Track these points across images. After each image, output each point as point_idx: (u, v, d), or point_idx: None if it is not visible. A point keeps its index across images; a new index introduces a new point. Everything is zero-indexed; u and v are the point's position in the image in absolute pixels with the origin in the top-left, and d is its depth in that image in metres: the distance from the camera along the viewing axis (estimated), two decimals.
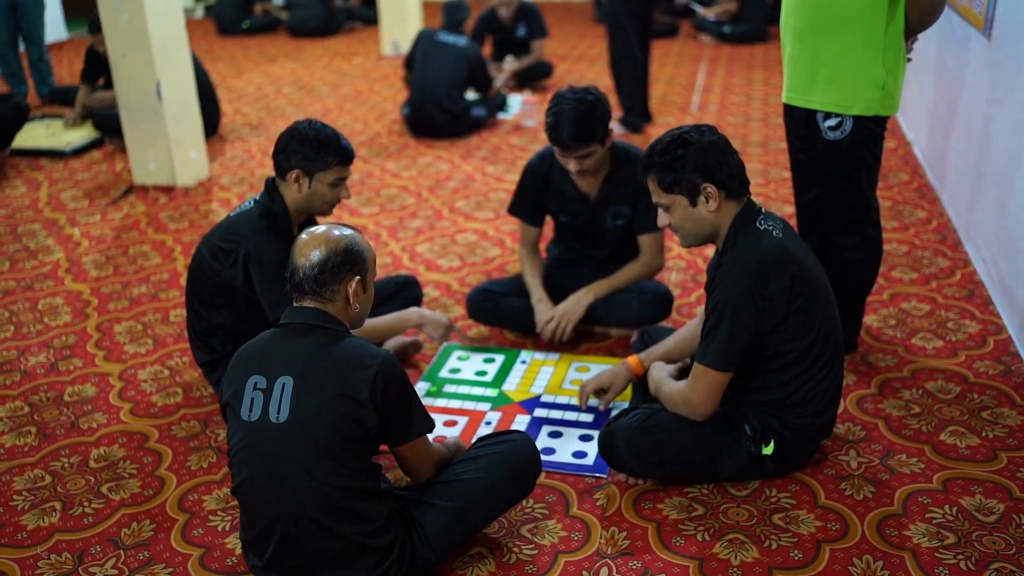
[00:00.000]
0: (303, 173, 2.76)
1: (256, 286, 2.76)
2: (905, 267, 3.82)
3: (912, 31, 2.85)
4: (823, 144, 2.93)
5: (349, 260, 2.11)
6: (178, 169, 5.14)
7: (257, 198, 2.85)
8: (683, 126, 2.45)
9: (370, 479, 2.10)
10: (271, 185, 2.83)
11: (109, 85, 6.02)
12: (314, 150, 2.73)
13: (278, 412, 2.03)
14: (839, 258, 3.07)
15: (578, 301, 3.24)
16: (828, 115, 2.89)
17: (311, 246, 2.10)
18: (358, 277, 2.13)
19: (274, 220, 2.79)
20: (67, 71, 8.38)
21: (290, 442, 2.02)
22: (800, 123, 3.02)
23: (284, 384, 2.03)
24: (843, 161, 2.93)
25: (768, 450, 2.50)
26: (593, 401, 2.95)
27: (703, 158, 2.37)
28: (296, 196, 2.80)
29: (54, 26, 9.64)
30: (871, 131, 2.90)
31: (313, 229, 2.15)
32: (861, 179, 2.96)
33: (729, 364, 2.39)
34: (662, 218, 2.51)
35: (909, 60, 2.95)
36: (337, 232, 2.13)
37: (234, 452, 2.11)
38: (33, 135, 6.22)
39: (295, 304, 2.14)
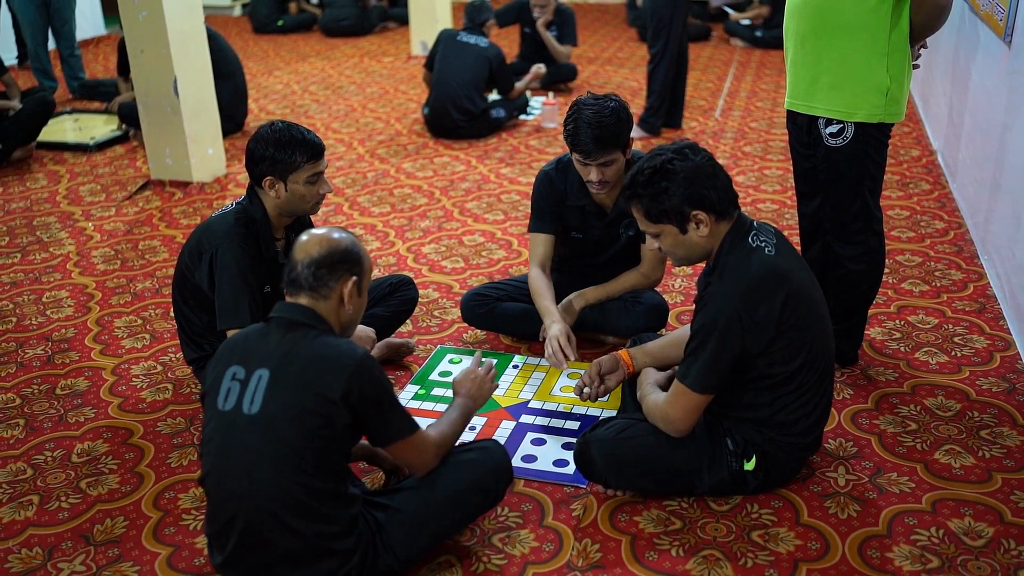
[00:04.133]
0: (276, 178, 2.73)
1: (215, 291, 2.74)
2: (916, 279, 3.72)
3: (917, 37, 2.76)
4: (824, 151, 2.85)
5: (347, 260, 2.13)
6: (194, 165, 5.17)
7: (239, 200, 2.84)
8: (663, 149, 2.32)
9: (336, 481, 2.09)
10: (252, 189, 2.81)
11: None
12: (280, 152, 2.69)
13: (251, 403, 2.03)
14: (840, 269, 2.98)
15: (570, 304, 3.15)
16: (830, 121, 2.82)
17: (312, 243, 2.13)
18: (354, 278, 2.15)
19: (251, 226, 2.77)
20: (103, 67, 8.49)
21: (258, 434, 2.02)
22: (802, 129, 2.95)
23: (261, 376, 2.04)
24: (845, 169, 2.85)
25: (750, 465, 2.43)
26: (579, 408, 2.90)
27: (690, 187, 2.27)
28: (276, 202, 2.77)
29: (92, 22, 9.79)
30: (874, 138, 2.81)
31: (314, 230, 2.18)
32: (863, 188, 2.87)
33: (710, 387, 2.32)
34: (650, 243, 2.43)
35: (916, 67, 2.86)
36: (337, 234, 2.16)
37: (205, 441, 2.11)
38: (60, 129, 6.31)
39: (288, 299, 2.14)
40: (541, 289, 3.12)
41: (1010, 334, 3.25)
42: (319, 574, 2.05)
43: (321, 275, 2.10)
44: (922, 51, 2.97)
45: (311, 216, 3.01)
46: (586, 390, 2.74)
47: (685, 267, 3.86)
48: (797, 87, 2.90)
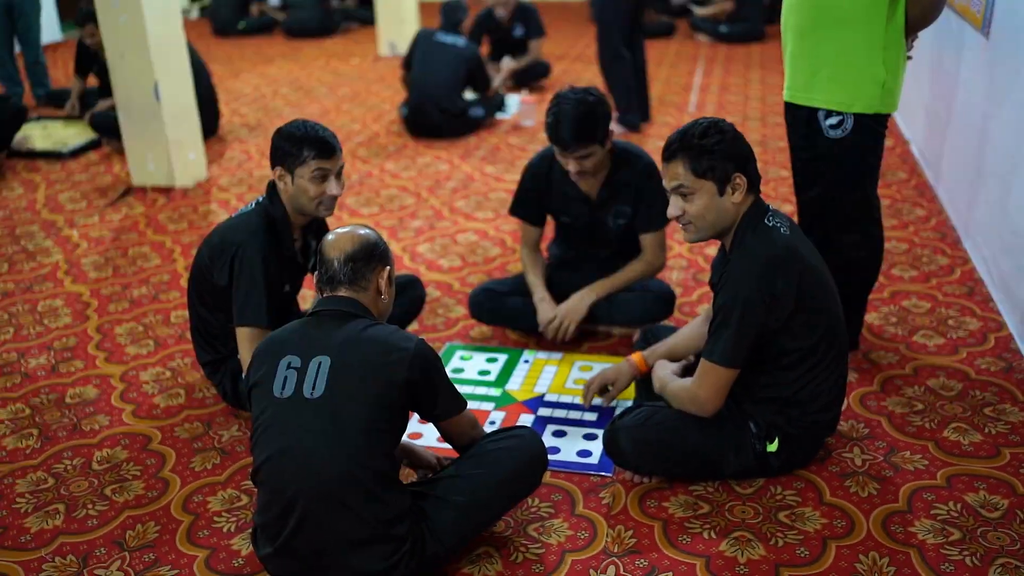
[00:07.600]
0: (284, 170, 2.76)
1: (233, 287, 2.75)
2: (905, 265, 3.83)
3: (913, 29, 2.85)
4: (824, 142, 2.94)
5: (378, 253, 2.24)
6: (177, 170, 5.13)
7: (259, 200, 2.85)
8: (710, 117, 2.44)
9: (392, 465, 2.16)
10: (272, 188, 2.83)
11: (99, 75, 6.05)
12: (291, 145, 2.72)
13: (313, 388, 2.08)
14: (841, 256, 3.06)
15: (580, 300, 3.24)
16: (829, 113, 2.90)
17: (343, 240, 2.22)
18: (388, 267, 2.25)
19: (273, 225, 2.79)
20: (62, 73, 8.36)
21: (324, 417, 2.06)
22: (801, 122, 3.03)
23: (320, 363, 2.10)
24: (844, 159, 2.93)
25: (772, 447, 2.50)
26: (597, 400, 2.95)
27: (737, 147, 2.40)
28: (286, 195, 2.79)
29: (49, 27, 9.61)
30: (872, 129, 2.90)
31: (339, 229, 2.26)
32: (863, 177, 2.96)
33: (736, 361, 2.40)
34: (674, 208, 2.45)
35: (909, 58, 2.96)
36: (363, 230, 2.27)
37: (260, 430, 2.13)
38: (29, 136, 6.20)
39: (328, 295, 2.21)
40: (526, 266, 3.41)
41: (1001, 315, 3.37)
42: (373, 560, 2.08)
43: (358, 268, 2.19)
44: (914, 43, 3.07)
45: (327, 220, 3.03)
46: (596, 401, 2.91)
47: (681, 260, 3.94)
48: (796, 80, 2.98)
